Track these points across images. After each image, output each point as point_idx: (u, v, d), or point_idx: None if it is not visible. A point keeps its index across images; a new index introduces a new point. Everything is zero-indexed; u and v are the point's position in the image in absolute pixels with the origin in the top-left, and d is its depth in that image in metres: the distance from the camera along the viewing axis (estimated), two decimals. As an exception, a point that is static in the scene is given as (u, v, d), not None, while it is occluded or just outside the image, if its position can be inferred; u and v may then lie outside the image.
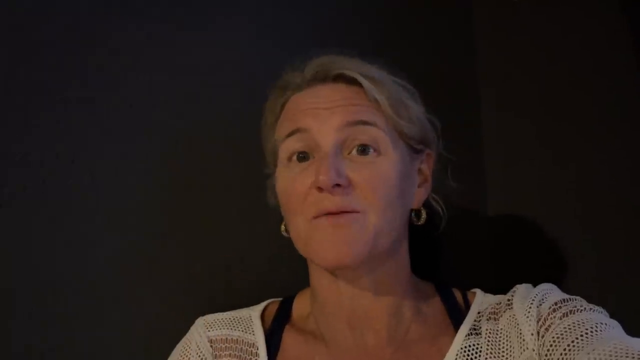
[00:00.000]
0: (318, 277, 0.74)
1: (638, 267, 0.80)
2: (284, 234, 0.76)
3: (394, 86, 0.73)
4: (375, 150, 0.69)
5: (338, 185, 0.66)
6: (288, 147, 0.72)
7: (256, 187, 0.83)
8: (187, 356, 0.74)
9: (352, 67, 0.72)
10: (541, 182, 0.94)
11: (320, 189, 0.66)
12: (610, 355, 0.55)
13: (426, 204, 0.77)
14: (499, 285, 0.77)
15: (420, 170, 0.76)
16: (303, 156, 0.71)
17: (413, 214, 0.75)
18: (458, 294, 0.77)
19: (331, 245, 0.66)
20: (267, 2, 0.97)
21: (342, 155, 0.69)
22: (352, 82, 0.72)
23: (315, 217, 0.67)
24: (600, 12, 0.87)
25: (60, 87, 0.84)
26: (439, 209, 0.80)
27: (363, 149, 0.69)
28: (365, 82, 0.71)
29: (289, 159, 0.72)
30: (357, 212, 0.66)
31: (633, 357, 0.53)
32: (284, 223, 0.76)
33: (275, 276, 0.88)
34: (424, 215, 0.76)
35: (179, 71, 0.90)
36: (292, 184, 0.70)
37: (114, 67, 0.87)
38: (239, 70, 0.93)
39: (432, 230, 0.80)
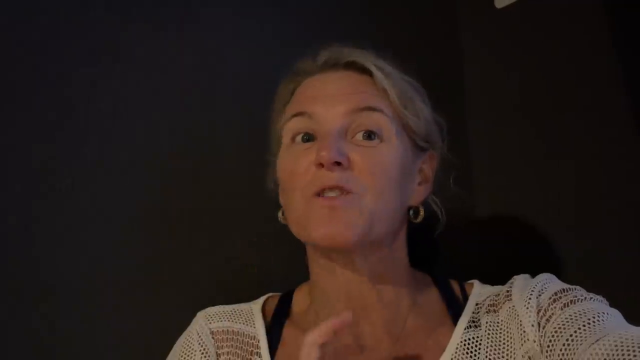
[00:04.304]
0: (316, 267, 0.74)
1: (625, 264, 0.81)
2: (281, 220, 0.76)
3: (403, 81, 0.75)
4: (378, 137, 0.70)
5: (338, 163, 0.67)
6: (292, 126, 0.73)
7: (256, 185, 0.83)
8: (189, 348, 0.73)
9: (364, 56, 0.74)
10: (527, 180, 0.96)
11: (320, 165, 0.67)
12: (616, 346, 0.55)
13: (425, 205, 0.77)
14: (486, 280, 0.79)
15: (421, 170, 0.77)
16: (307, 138, 0.72)
17: (411, 212, 0.76)
18: (455, 285, 0.77)
19: (327, 225, 0.66)
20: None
21: (345, 139, 0.70)
22: (362, 71, 0.74)
23: (313, 197, 0.68)
24: (583, 16, 0.90)
25: (59, 87, 0.84)
26: (438, 211, 0.80)
27: (367, 135, 0.70)
28: (375, 71, 0.73)
29: (293, 139, 0.73)
30: (353, 193, 0.67)
31: (639, 347, 0.53)
32: (281, 210, 0.76)
33: (274, 275, 0.89)
34: (422, 213, 0.76)
35: (179, 71, 0.91)
36: (294, 162, 0.71)
37: (114, 67, 0.87)
38: (240, 71, 0.94)
39: (429, 232, 0.81)
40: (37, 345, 0.79)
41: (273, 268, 0.89)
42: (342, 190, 0.67)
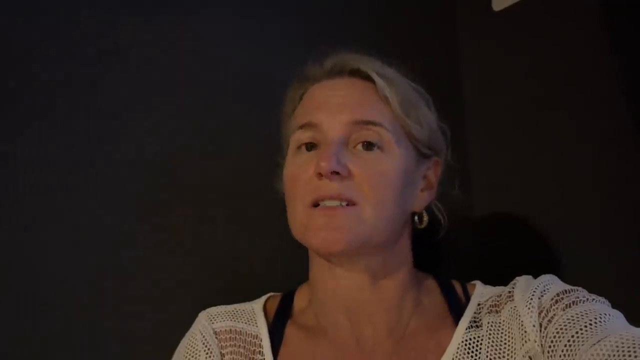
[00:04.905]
0: (317, 270, 0.75)
1: (626, 264, 0.82)
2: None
3: (407, 88, 0.76)
4: (379, 147, 0.71)
5: (337, 173, 0.68)
6: (298, 138, 0.74)
7: (257, 185, 0.84)
8: (194, 349, 0.73)
9: (368, 64, 0.75)
10: (526, 181, 0.97)
11: (319, 175, 0.68)
12: (617, 346, 0.55)
13: (428, 210, 0.78)
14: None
15: (425, 177, 0.77)
16: (311, 146, 0.73)
17: (416, 217, 0.77)
18: (458, 286, 0.78)
19: (325, 231, 0.67)
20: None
21: (346, 148, 0.71)
22: (366, 78, 0.75)
23: (312, 206, 0.69)
24: (580, 18, 0.91)
25: (60, 87, 0.84)
26: (440, 217, 0.81)
27: (367, 145, 0.71)
28: (377, 79, 0.73)
29: (298, 148, 0.74)
30: (353, 203, 0.68)
31: None
32: None
33: (274, 275, 0.89)
34: (425, 219, 0.77)
35: (179, 71, 0.91)
36: (296, 171, 0.72)
37: (116, 67, 0.87)
38: (241, 71, 0.94)
39: (432, 234, 0.81)
40: (37, 345, 0.79)
41: (273, 268, 0.90)
42: (342, 199, 0.68)
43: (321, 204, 0.69)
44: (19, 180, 0.81)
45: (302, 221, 0.70)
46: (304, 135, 0.73)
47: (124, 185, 0.86)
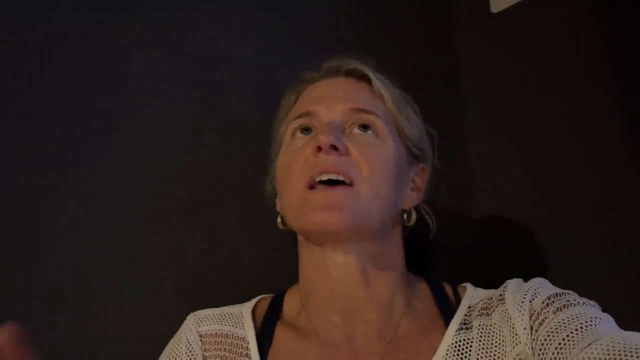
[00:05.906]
0: (309, 266, 0.75)
1: (621, 267, 0.82)
2: (280, 226, 0.78)
3: (397, 91, 0.79)
4: (374, 131, 0.73)
5: (336, 149, 0.69)
6: (294, 124, 0.76)
7: (256, 185, 0.84)
8: (177, 351, 0.74)
9: (363, 65, 0.78)
10: (524, 183, 0.97)
11: (318, 150, 0.69)
12: (608, 349, 0.55)
13: (418, 212, 0.80)
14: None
15: (414, 180, 0.79)
16: (307, 130, 0.75)
17: (405, 216, 0.77)
18: (448, 289, 0.78)
19: (323, 208, 0.67)
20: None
21: (343, 132, 0.73)
22: (362, 78, 0.78)
23: (311, 187, 0.69)
24: (579, 20, 0.91)
25: (59, 87, 0.84)
26: (429, 220, 0.82)
27: (363, 127, 0.73)
28: (373, 77, 0.77)
29: (293, 134, 0.76)
30: (351, 182, 0.69)
31: (630, 351, 0.53)
32: (279, 216, 0.78)
33: (274, 275, 0.89)
34: (414, 215, 0.78)
35: (180, 70, 0.91)
36: (292, 155, 0.73)
37: (116, 67, 0.88)
38: (243, 71, 0.95)
39: (422, 239, 0.82)
40: (37, 345, 0.78)
41: (273, 268, 0.90)
42: (340, 173, 0.69)
43: (317, 179, 0.69)
44: (19, 180, 0.81)
45: (298, 202, 0.70)
46: (301, 122, 0.75)
47: (124, 186, 0.86)
